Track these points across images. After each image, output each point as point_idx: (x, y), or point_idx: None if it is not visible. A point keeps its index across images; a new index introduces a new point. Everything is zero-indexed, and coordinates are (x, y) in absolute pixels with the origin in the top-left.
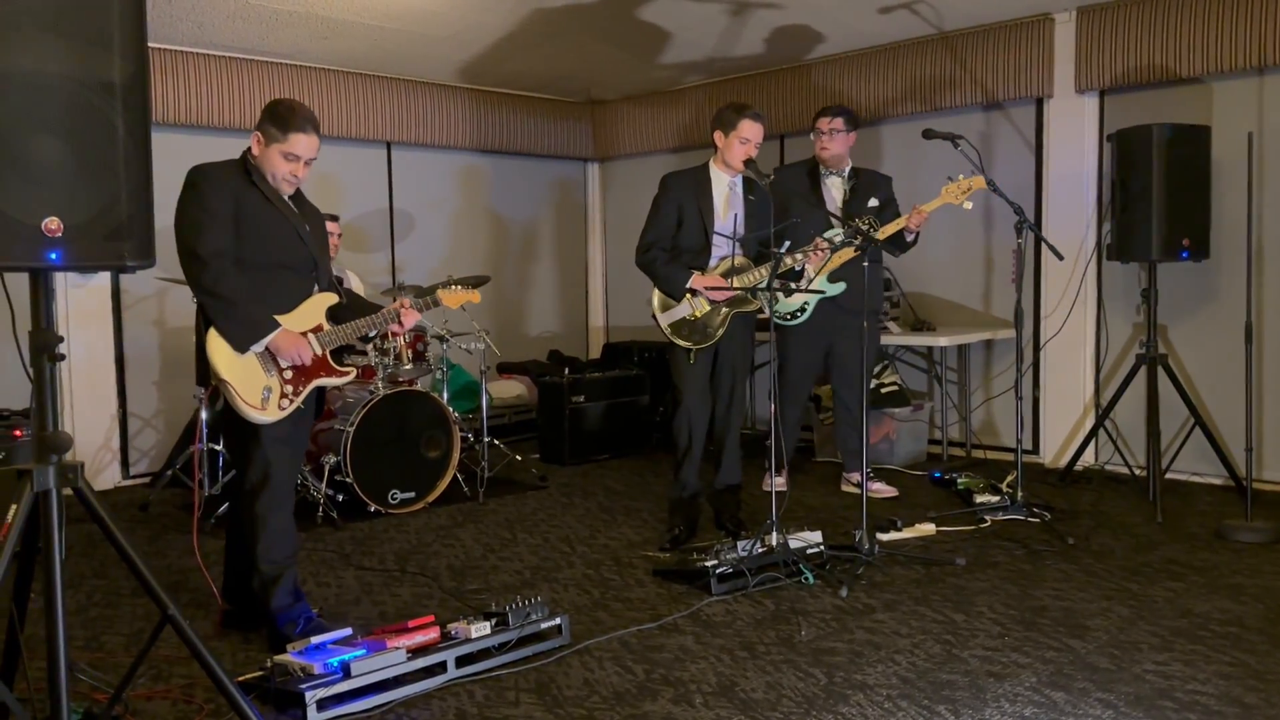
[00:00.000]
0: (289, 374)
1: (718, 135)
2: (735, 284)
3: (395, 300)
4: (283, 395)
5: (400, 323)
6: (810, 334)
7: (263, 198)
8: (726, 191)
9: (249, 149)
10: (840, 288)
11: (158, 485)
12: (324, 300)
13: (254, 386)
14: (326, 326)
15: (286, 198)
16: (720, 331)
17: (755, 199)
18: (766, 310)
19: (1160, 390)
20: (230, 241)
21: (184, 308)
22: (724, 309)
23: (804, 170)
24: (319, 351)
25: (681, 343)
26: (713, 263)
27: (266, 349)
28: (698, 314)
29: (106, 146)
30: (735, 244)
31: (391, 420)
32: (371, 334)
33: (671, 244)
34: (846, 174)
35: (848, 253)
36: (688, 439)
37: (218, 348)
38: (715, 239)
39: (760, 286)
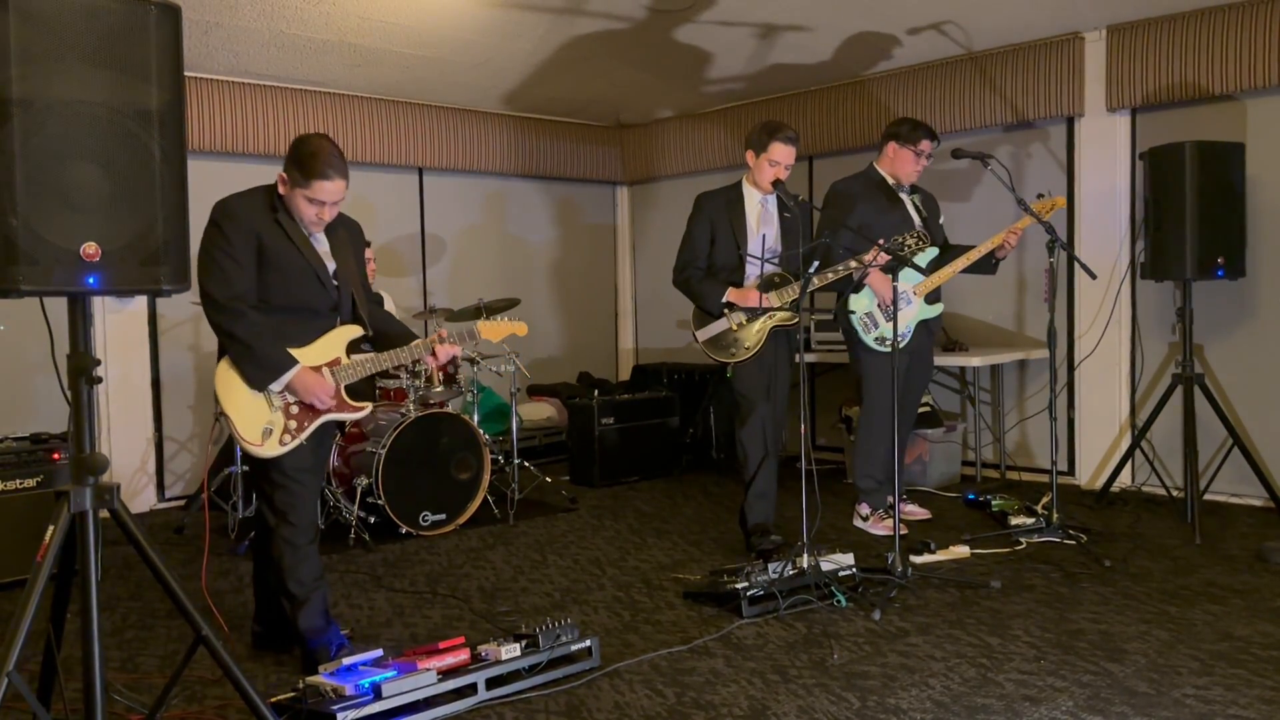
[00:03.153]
0: (295, 409)
1: (749, 154)
2: (773, 299)
3: (433, 334)
4: (285, 431)
5: (435, 354)
6: (902, 356)
7: (285, 237)
8: (759, 209)
9: (277, 183)
10: (939, 309)
11: (192, 508)
12: (345, 334)
13: (255, 422)
14: (345, 360)
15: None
16: (759, 346)
17: (790, 217)
18: (860, 330)
19: (1197, 410)
20: (251, 282)
21: None
22: (762, 321)
23: (871, 183)
24: (333, 387)
25: (719, 357)
26: (749, 279)
27: (285, 387)
28: (735, 327)
29: (143, 173)
30: (763, 264)
31: (423, 443)
32: (407, 364)
33: (707, 263)
34: (908, 190)
35: (945, 273)
36: (750, 453)
37: (224, 380)
38: (749, 260)
39: (789, 304)
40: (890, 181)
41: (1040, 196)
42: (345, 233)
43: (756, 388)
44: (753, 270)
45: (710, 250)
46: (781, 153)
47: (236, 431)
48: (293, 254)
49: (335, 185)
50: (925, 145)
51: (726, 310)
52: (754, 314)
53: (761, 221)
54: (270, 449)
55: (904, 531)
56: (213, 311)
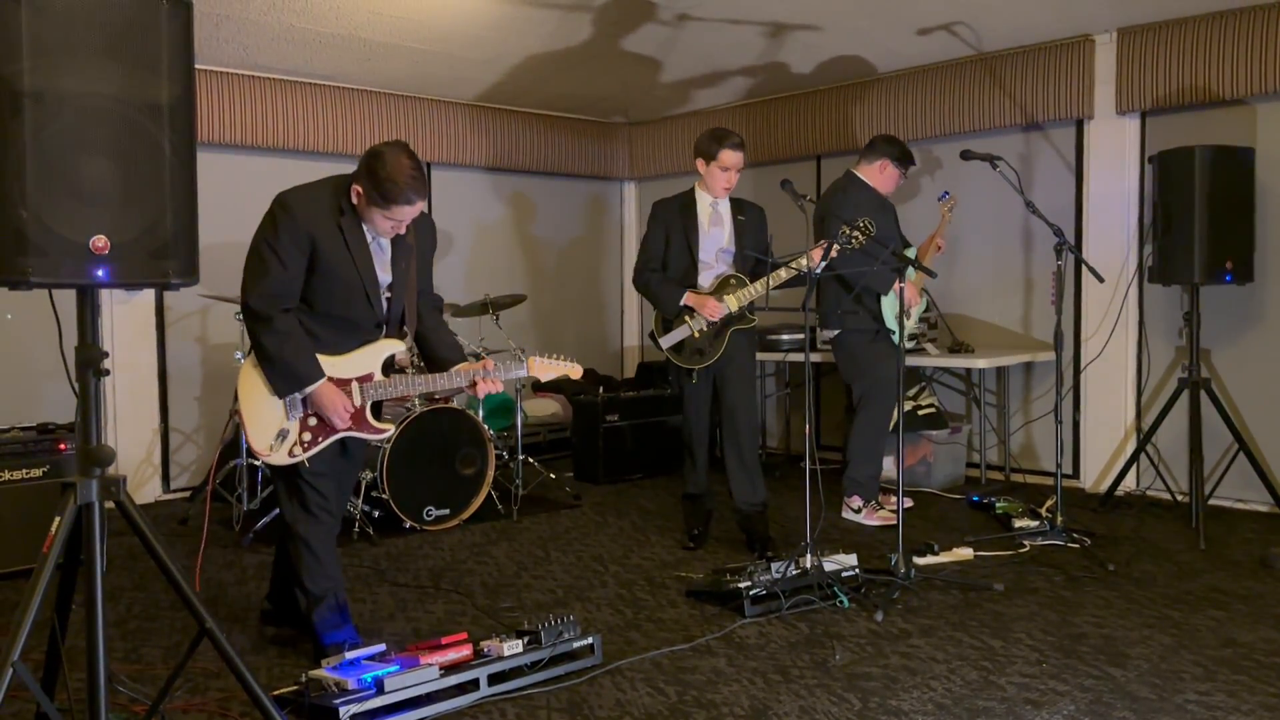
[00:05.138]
0: (313, 420)
1: (699, 162)
2: (730, 301)
3: (480, 362)
4: (298, 442)
5: (474, 388)
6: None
7: (343, 245)
8: (710, 212)
9: (350, 189)
10: (924, 304)
11: (197, 500)
12: (383, 348)
13: (268, 427)
14: (378, 377)
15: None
16: (721, 350)
17: (745, 219)
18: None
19: (1203, 415)
20: (296, 286)
21: (226, 325)
22: (725, 327)
23: (866, 188)
24: (358, 403)
25: (683, 364)
26: (704, 281)
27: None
28: (697, 334)
29: (153, 166)
30: (769, 263)
31: (427, 437)
32: (431, 390)
33: (662, 265)
34: None
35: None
36: (694, 446)
37: (247, 381)
38: (702, 259)
39: (747, 301)
40: (872, 188)
41: (944, 196)
42: (413, 237)
43: (700, 397)
44: (710, 271)
45: (665, 253)
46: (731, 159)
47: (247, 435)
48: (346, 266)
49: (417, 208)
50: (909, 170)
51: (688, 317)
52: (715, 322)
53: (713, 223)
54: (279, 458)
55: (892, 522)
56: (246, 312)
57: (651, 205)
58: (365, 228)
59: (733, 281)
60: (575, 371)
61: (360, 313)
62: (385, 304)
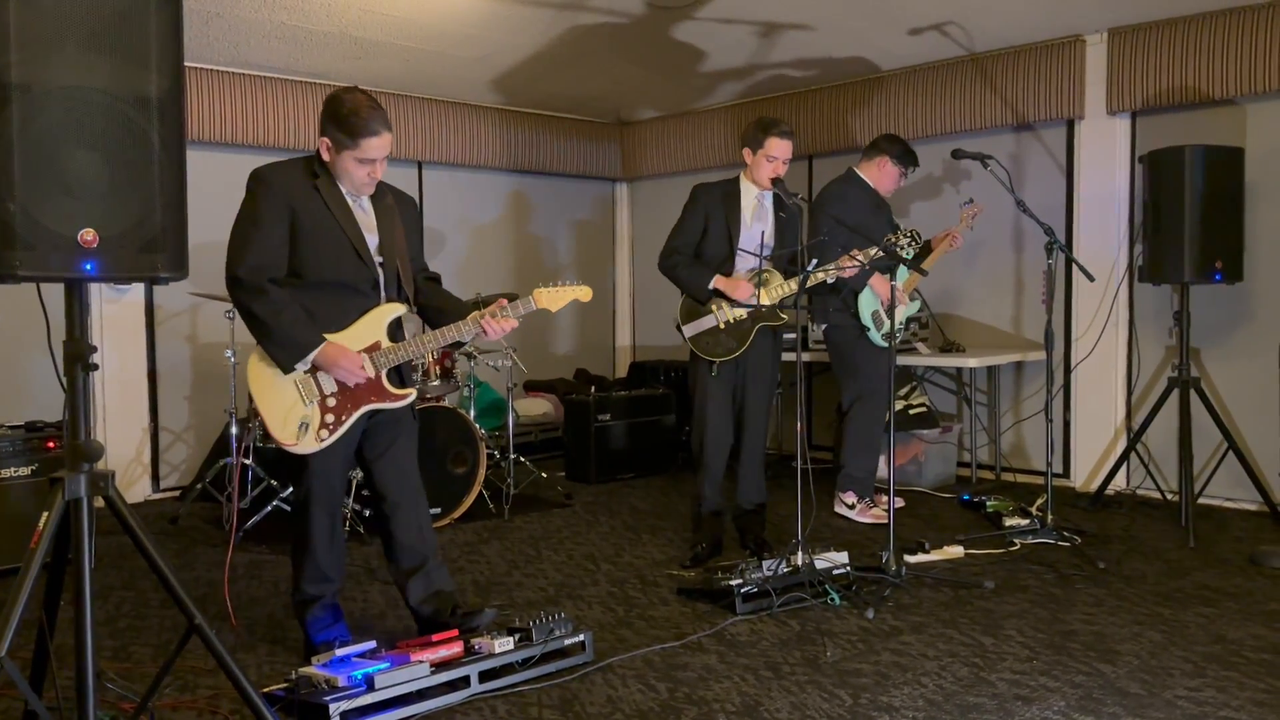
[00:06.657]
0: (332, 401)
1: (746, 152)
2: (763, 298)
3: (493, 304)
4: (322, 426)
5: (485, 332)
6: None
7: (323, 207)
8: (755, 204)
9: (319, 150)
10: (918, 304)
11: (187, 499)
12: (385, 313)
13: (289, 417)
14: (385, 344)
15: (364, 196)
16: (746, 344)
17: (785, 215)
18: (874, 327)
19: (1193, 414)
20: (281, 254)
21: (217, 323)
22: (754, 322)
23: (861, 187)
24: (372, 373)
25: (704, 355)
26: (738, 275)
27: (317, 368)
28: (723, 325)
29: (142, 160)
30: (760, 260)
31: (419, 436)
32: (461, 342)
33: (695, 252)
34: None
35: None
36: (708, 455)
37: (256, 372)
38: (739, 253)
39: (781, 302)
40: (871, 187)
41: (968, 203)
42: (394, 200)
43: (717, 394)
44: (742, 265)
45: (701, 241)
46: (779, 147)
47: (269, 429)
48: (330, 226)
49: (384, 140)
50: (911, 170)
51: (714, 306)
52: (744, 308)
53: (756, 217)
54: (306, 445)
55: (884, 521)
56: (232, 285)
57: (692, 188)
58: (343, 188)
59: (767, 276)
60: (584, 294)
61: (352, 273)
62: (378, 265)
